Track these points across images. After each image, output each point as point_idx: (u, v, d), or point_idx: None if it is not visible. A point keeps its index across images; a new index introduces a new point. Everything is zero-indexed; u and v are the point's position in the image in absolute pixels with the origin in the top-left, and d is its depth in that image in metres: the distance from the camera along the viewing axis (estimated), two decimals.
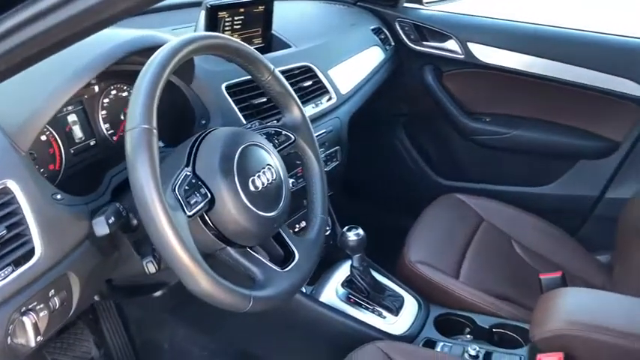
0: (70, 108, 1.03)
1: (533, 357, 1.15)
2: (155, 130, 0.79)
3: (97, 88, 1.09)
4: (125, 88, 1.15)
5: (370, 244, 1.34)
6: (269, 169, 0.95)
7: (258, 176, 0.92)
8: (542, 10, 2.16)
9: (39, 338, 0.83)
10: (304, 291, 1.38)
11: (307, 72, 1.53)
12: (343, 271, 1.45)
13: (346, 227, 1.34)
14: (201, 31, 1.32)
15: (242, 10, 1.39)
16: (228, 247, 0.92)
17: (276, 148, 1.03)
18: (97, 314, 1.53)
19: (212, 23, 1.33)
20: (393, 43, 2.01)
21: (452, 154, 2.10)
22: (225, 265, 0.93)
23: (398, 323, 1.36)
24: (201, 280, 0.79)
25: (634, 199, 1.54)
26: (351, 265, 1.38)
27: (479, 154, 2.03)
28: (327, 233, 1.50)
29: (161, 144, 1.00)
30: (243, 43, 1.02)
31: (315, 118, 1.47)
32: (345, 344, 1.22)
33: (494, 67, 1.90)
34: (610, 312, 1.12)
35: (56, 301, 0.85)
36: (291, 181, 1.31)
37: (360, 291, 1.38)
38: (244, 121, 1.25)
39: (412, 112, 2.14)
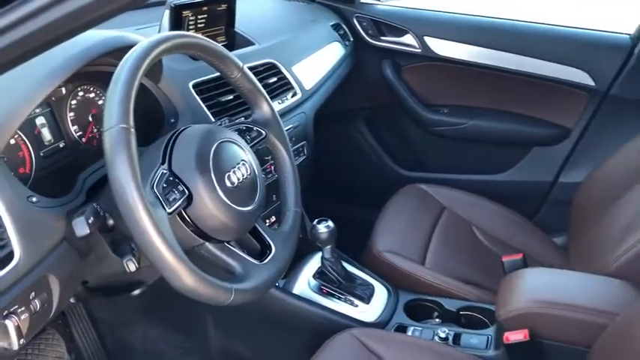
0: (38, 110, 1.02)
1: (500, 335, 1.21)
2: (133, 130, 0.80)
3: (64, 90, 1.08)
4: (92, 89, 1.14)
5: (338, 235, 1.37)
6: (243, 164, 0.97)
7: (234, 172, 0.94)
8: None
9: (22, 341, 0.83)
10: (277, 284, 1.39)
11: (272, 69, 1.54)
12: (314, 263, 1.48)
13: (316, 220, 1.37)
14: (166, 31, 1.32)
15: (205, 8, 1.40)
16: (207, 243, 0.93)
17: (248, 144, 1.05)
18: (66, 319, 1.51)
19: (176, 22, 1.33)
20: (352, 39, 2.04)
21: (413, 145, 2.15)
22: (203, 259, 0.94)
23: (370, 311, 1.40)
24: (185, 276, 0.80)
25: (586, 182, 1.62)
26: (322, 257, 1.41)
27: (438, 144, 2.08)
28: None
29: None
30: (212, 41, 1.03)
31: (282, 114, 1.48)
32: (319, 334, 1.25)
33: (451, 59, 1.96)
34: (569, 289, 1.19)
35: (37, 304, 0.85)
36: None
37: (332, 281, 1.41)
38: (213, 119, 1.26)
39: (373, 106, 2.18)
